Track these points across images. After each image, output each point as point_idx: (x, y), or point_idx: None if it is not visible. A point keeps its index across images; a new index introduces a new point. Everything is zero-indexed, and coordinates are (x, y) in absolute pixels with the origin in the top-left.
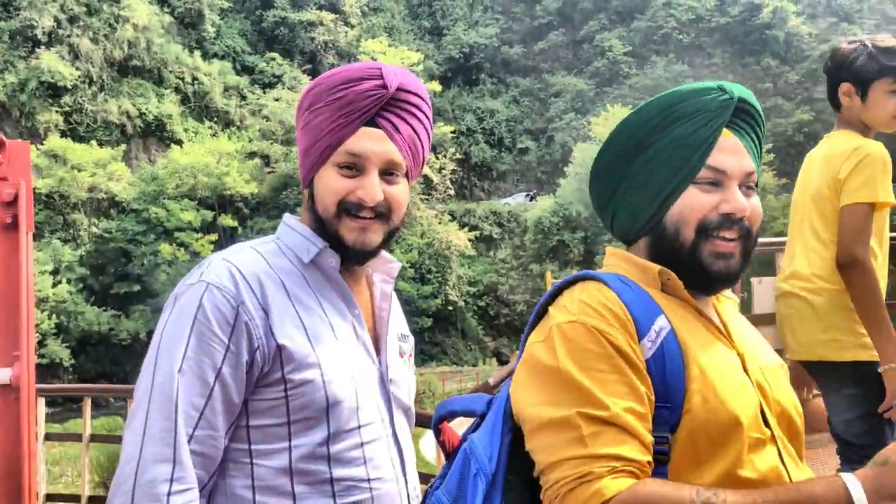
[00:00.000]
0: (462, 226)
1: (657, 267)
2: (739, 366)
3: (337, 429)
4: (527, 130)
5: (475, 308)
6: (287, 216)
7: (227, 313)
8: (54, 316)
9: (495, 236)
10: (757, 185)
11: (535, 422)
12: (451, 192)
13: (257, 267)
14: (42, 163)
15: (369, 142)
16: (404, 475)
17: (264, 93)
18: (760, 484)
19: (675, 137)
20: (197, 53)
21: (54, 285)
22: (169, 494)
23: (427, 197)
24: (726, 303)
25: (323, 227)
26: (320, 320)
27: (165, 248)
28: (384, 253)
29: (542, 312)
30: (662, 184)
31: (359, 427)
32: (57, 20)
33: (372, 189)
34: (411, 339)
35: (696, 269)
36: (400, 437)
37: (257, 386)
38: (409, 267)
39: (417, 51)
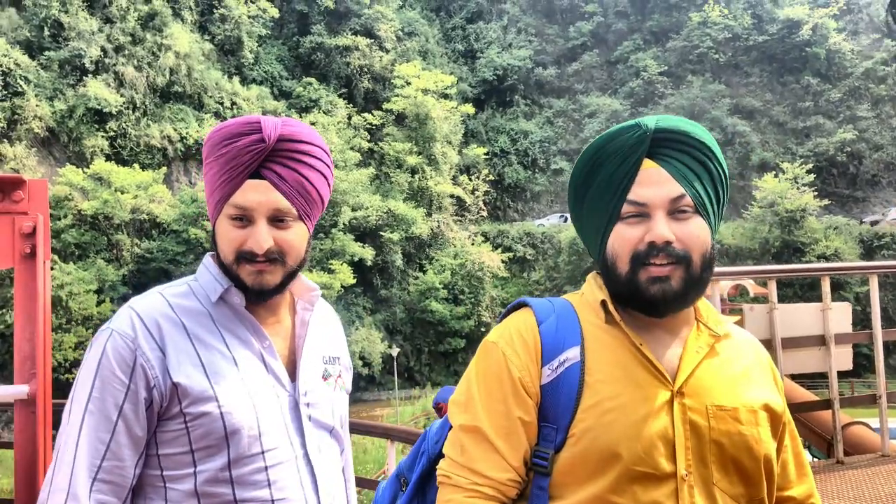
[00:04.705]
0: (495, 247)
1: (599, 299)
2: (660, 403)
3: (237, 455)
4: (561, 151)
5: None
6: (207, 257)
7: (126, 357)
8: None
9: (529, 258)
10: (703, 206)
11: (450, 410)
12: (485, 213)
13: (157, 311)
14: (88, 185)
15: (254, 194)
16: (316, 494)
17: (301, 117)
18: None
19: (601, 180)
20: (236, 79)
21: (98, 304)
22: None
23: (460, 218)
24: (705, 338)
25: (227, 270)
26: (221, 356)
27: None
28: (306, 281)
29: None
30: (597, 223)
31: (262, 452)
32: (104, 49)
33: (260, 238)
34: (343, 359)
35: (637, 296)
36: (313, 458)
37: (160, 419)
38: (442, 288)
39: (451, 74)
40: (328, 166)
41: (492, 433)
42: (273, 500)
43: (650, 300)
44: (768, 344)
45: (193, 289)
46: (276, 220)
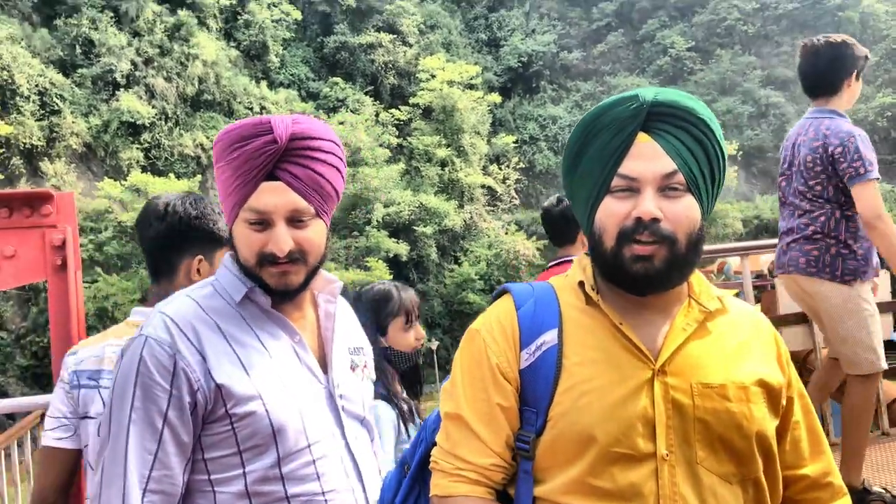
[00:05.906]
0: (529, 235)
1: (577, 280)
2: (640, 383)
3: (286, 451)
4: None
5: None
6: (226, 256)
7: (165, 362)
8: None
9: None
10: (695, 185)
11: (440, 398)
12: (517, 201)
13: (190, 314)
14: (126, 197)
15: (270, 196)
16: (361, 482)
17: (329, 117)
18: (615, 495)
19: (595, 150)
20: (263, 84)
21: None
22: None
23: (492, 208)
24: (694, 314)
25: (248, 271)
26: (257, 353)
27: None
28: (326, 274)
29: None
30: (587, 194)
31: (308, 446)
32: (133, 63)
33: (280, 241)
34: (366, 349)
35: (621, 273)
36: (353, 447)
37: (205, 423)
38: (479, 279)
39: (475, 64)
40: (341, 159)
41: (473, 420)
42: (324, 493)
43: (633, 277)
44: (805, 315)
45: (217, 289)
46: (295, 220)
